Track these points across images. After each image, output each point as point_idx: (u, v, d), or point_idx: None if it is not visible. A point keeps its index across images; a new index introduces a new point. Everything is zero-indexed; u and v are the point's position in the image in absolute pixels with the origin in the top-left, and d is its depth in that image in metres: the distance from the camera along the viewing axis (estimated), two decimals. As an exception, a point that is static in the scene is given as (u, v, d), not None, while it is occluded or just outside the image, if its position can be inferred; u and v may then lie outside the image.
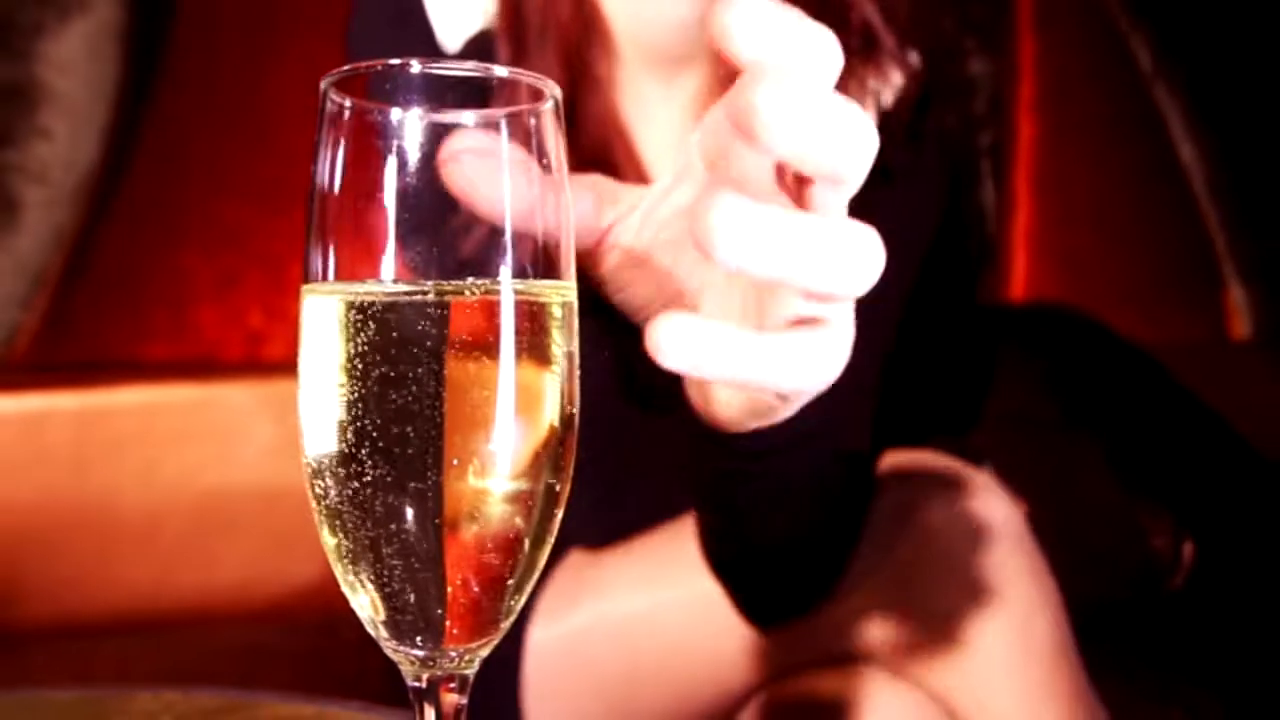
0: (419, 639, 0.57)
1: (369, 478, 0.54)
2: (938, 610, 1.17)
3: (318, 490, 0.57)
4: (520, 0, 1.29)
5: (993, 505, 1.20)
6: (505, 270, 0.55)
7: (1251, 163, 2.96)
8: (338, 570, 0.58)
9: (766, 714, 1.24)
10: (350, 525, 0.56)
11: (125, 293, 2.24)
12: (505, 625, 0.59)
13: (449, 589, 0.56)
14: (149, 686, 0.98)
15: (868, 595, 1.19)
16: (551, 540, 0.59)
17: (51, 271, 2.14)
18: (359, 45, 1.36)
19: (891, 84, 1.37)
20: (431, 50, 1.32)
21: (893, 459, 1.27)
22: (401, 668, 0.59)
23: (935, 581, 1.17)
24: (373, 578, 0.56)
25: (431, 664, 0.58)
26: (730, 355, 0.55)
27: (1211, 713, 1.75)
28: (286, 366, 2.06)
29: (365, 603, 0.58)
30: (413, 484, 0.54)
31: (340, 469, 0.55)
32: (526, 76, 0.57)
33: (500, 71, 0.57)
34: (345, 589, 0.59)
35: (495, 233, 0.55)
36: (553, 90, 0.58)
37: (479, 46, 1.31)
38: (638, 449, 1.32)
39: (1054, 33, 2.92)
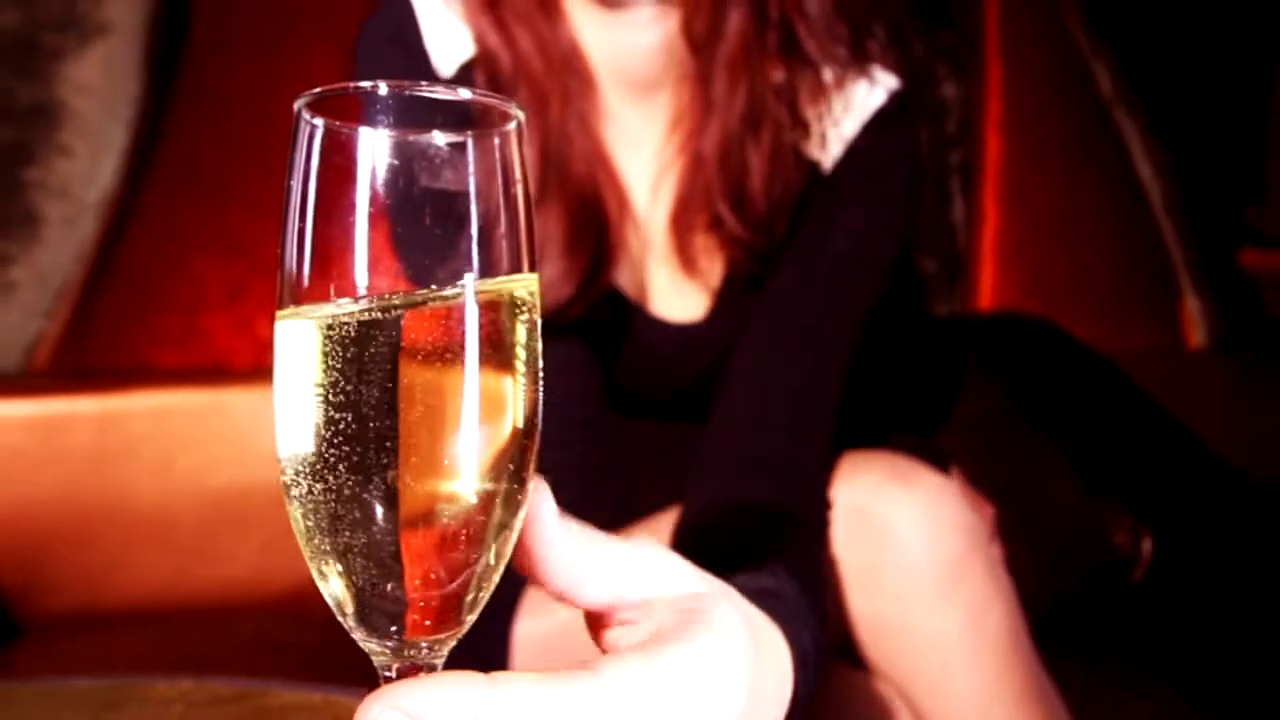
0: (389, 630, 0.57)
1: (335, 482, 0.54)
2: (896, 602, 1.17)
3: (292, 494, 0.57)
4: (496, 45, 1.30)
5: (948, 502, 1.20)
6: (469, 281, 0.55)
7: (1206, 181, 2.98)
8: (312, 568, 0.59)
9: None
10: (320, 526, 0.56)
11: (141, 302, 2.24)
12: (470, 619, 0.58)
13: (412, 585, 0.56)
14: (165, 675, 0.99)
15: (837, 592, 1.20)
16: (514, 537, 0.58)
17: (72, 283, 2.14)
18: (362, 70, 1.37)
19: (860, 105, 1.38)
20: (426, 70, 1.32)
21: (856, 459, 1.28)
22: (373, 658, 0.59)
23: (895, 577, 1.17)
24: (342, 574, 0.57)
25: (401, 655, 0.58)
26: None
27: (1170, 700, 1.75)
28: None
29: (336, 596, 0.58)
30: (374, 487, 0.54)
31: (309, 474, 0.55)
32: (492, 99, 0.57)
33: (465, 94, 0.57)
34: (318, 581, 0.59)
35: (461, 250, 0.55)
36: (516, 112, 0.57)
37: (471, 72, 1.32)
38: (614, 452, 1.33)
39: (1020, 58, 2.92)
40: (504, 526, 0.57)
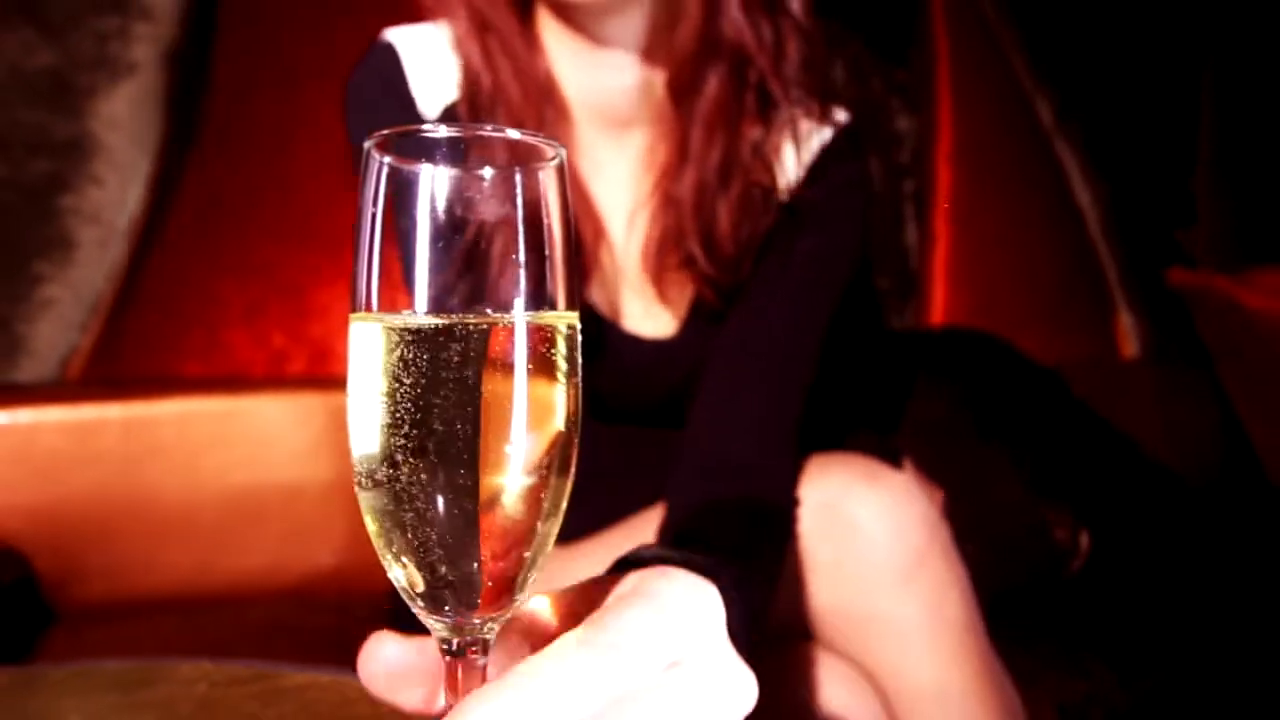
0: (448, 609, 0.58)
1: (408, 476, 0.55)
2: (862, 591, 1.18)
3: (364, 485, 0.58)
4: (478, 79, 1.30)
5: (910, 500, 1.21)
6: (519, 303, 0.56)
7: (1138, 206, 2.99)
8: (381, 553, 0.59)
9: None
10: (392, 515, 0.57)
11: (167, 318, 2.25)
12: (520, 598, 0.59)
13: (476, 568, 0.57)
14: (188, 657, 0.99)
15: (803, 581, 1.20)
16: (558, 526, 0.60)
17: (104, 300, 2.14)
18: (353, 115, 1.37)
19: (815, 139, 1.38)
20: (411, 112, 1.33)
21: (825, 460, 1.28)
22: (434, 632, 0.60)
23: (861, 568, 1.18)
24: (412, 559, 0.57)
25: (460, 630, 0.59)
26: None
27: (1103, 677, 1.76)
28: (306, 381, 2.06)
29: (403, 578, 0.59)
30: (445, 480, 0.55)
31: (384, 468, 0.56)
32: (537, 139, 0.58)
33: (513, 133, 0.58)
34: (387, 567, 0.59)
35: (510, 273, 0.56)
36: (559, 150, 0.59)
37: (454, 114, 1.32)
38: (600, 456, 1.34)
39: (968, 94, 2.93)
40: (552, 514, 0.59)
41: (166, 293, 2.24)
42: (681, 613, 0.58)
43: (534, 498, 0.57)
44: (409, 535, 0.57)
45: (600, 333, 1.35)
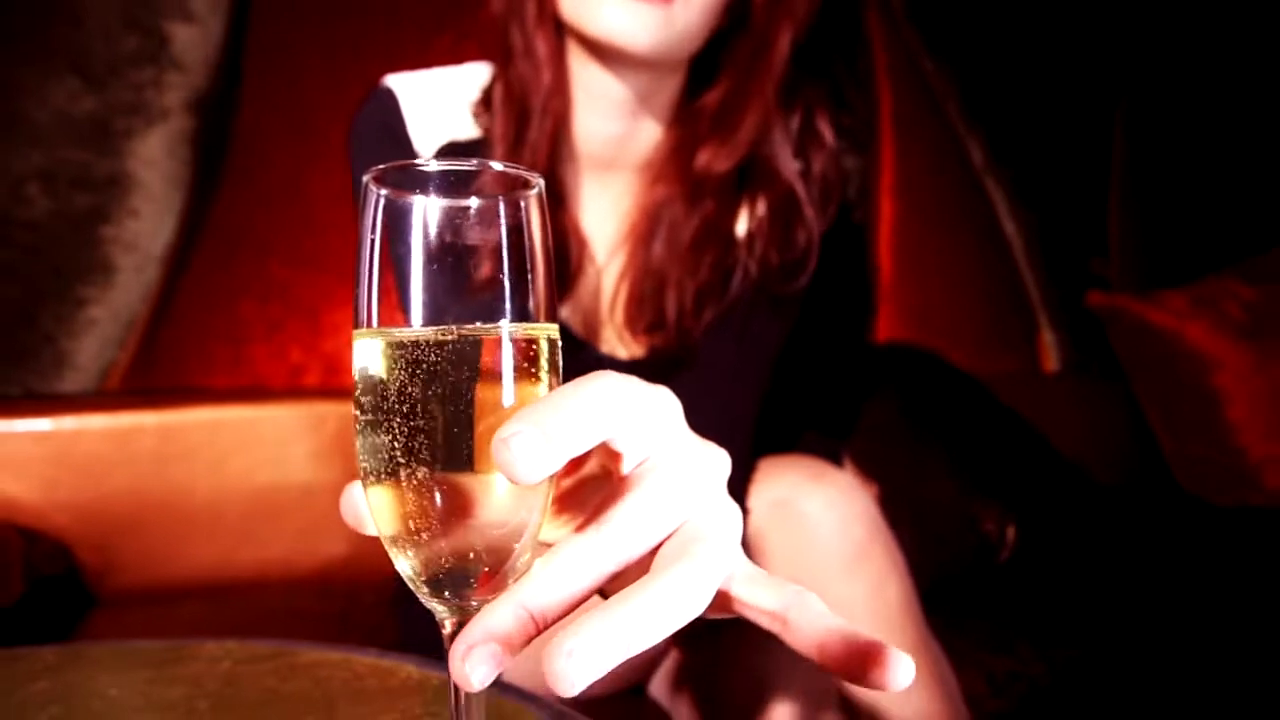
0: (448, 594, 0.59)
1: (407, 474, 0.56)
2: (812, 577, 1.18)
3: (369, 483, 0.58)
4: (508, 122, 1.29)
5: (853, 496, 1.21)
6: (505, 316, 0.57)
7: (1059, 236, 3.00)
8: (387, 544, 0.60)
9: (682, 661, 1.26)
10: (395, 511, 0.57)
11: (196, 335, 2.25)
12: (512, 582, 0.59)
13: (472, 557, 0.57)
14: (214, 637, 0.99)
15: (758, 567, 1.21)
16: (545, 516, 0.59)
17: (140, 320, 2.14)
18: (356, 156, 1.37)
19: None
20: (408, 153, 1.31)
21: (779, 461, 1.28)
22: (436, 614, 0.60)
23: (811, 557, 1.18)
24: (413, 550, 0.58)
25: (460, 611, 0.59)
26: (624, 646, 0.51)
27: (1026, 654, 1.77)
28: (320, 392, 2.07)
29: (406, 567, 0.59)
30: (441, 477, 0.55)
31: (385, 467, 0.56)
32: (517, 169, 0.59)
33: (496, 166, 0.59)
34: (392, 558, 0.60)
35: (496, 290, 0.57)
36: (538, 180, 0.59)
37: (447, 154, 1.31)
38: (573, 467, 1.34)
39: (907, 136, 2.94)
40: (539, 506, 0.58)
41: (196, 313, 2.24)
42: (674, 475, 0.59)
43: (522, 491, 0.56)
44: (410, 528, 0.57)
45: (575, 353, 1.35)
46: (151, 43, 2.11)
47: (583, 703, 1.35)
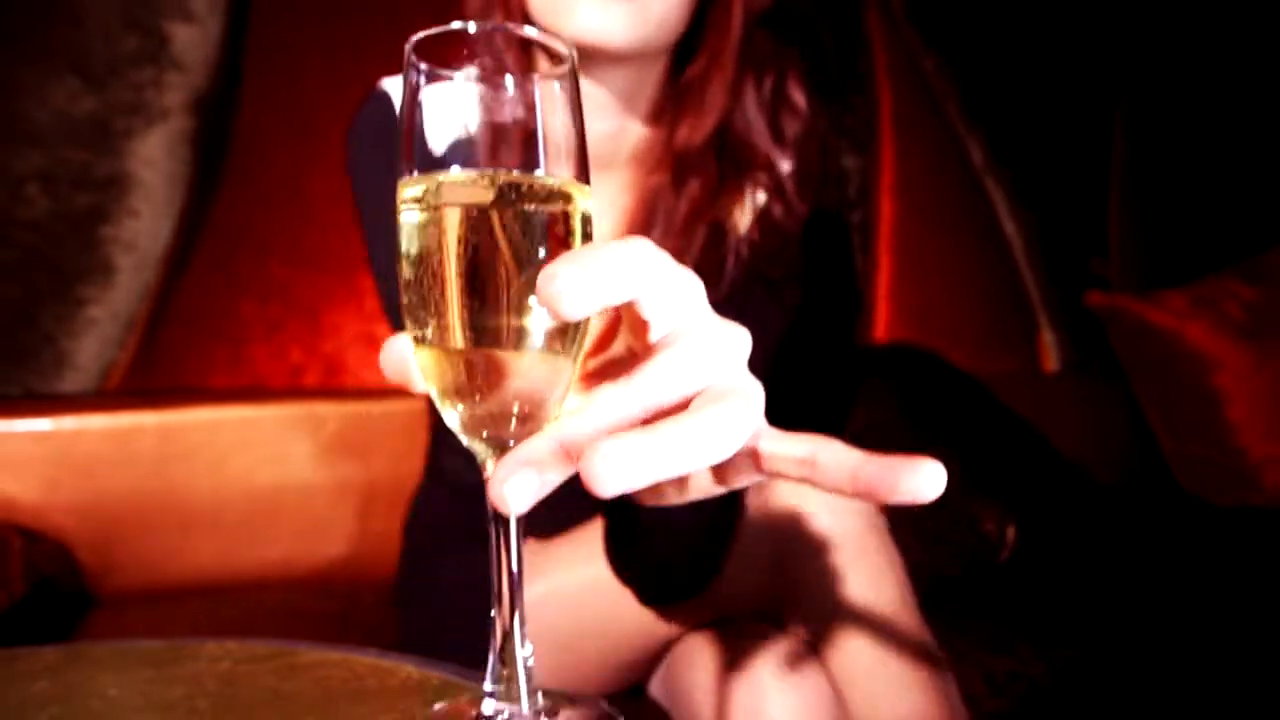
0: (487, 435, 0.62)
1: (451, 317, 0.59)
2: (809, 576, 1.18)
3: (417, 341, 0.62)
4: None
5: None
6: (540, 171, 0.60)
7: (1059, 236, 3.00)
8: (433, 389, 0.62)
9: (682, 658, 1.26)
10: (439, 361, 0.60)
11: (195, 335, 2.25)
12: (541, 416, 0.62)
13: (509, 400, 0.60)
14: (214, 637, 0.99)
15: (757, 568, 1.20)
16: (578, 364, 0.63)
17: (140, 320, 2.14)
18: (354, 155, 1.37)
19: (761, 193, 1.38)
20: None
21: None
22: (476, 454, 0.63)
23: (807, 555, 1.18)
24: (458, 394, 0.61)
25: (498, 451, 0.62)
26: (658, 462, 0.54)
27: (1026, 654, 1.76)
28: (320, 392, 2.07)
29: (450, 411, 0.62)
30: (485, 320, 0.59)
31: (430, 309, 0.60)
32: (548, 39, 0.62)
33: (530, 31, 0.63)
34: (439, 407, 0.63)
35: (533, 153, 0.60)
36: (571, 52, 0.62)
37: None
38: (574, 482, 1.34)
39: (908, 136, 2.94)
40: (570, 353, 0.61)
41: (195, 313, 2.24)
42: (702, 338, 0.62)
43: (555, 337, 0.60)
44: (454, 373, 0.60)
45: None
46: (151, 43, 2.11)
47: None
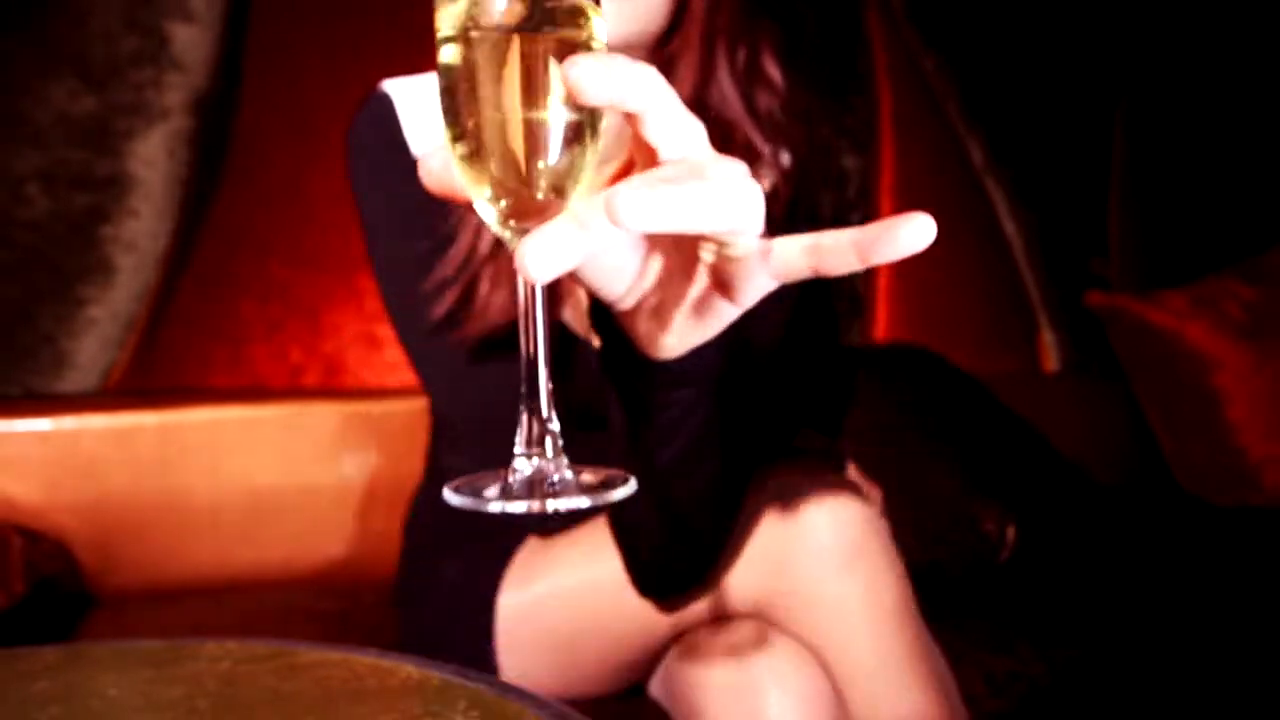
0: (514, 222, 0.68)
1: (484, 119, 0.65)
2: (809, 578, 1.18)
3: (452, 131, 0.67)
4: None
5: (849, 497, 1.21)
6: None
7: (1059, 236, 3.00)
8: (469, 186, 0.68)
9: (682, 658, 1.26)
10: (472, 155, 0.66)
11: (195, 335, 2.25)
12: (562, 204, 0.67)
13: (532, 185, 0.66)
14: (214, 637, 0.99)
15: (756, 568, 1.20)
16: (594, 157, 0.69)
17: (139, 320, 2.14)
18: (355, 154, 1.37)
19: (765, 183, 1.37)
20: (405, 154, 1.32)
21: (778, 463, 1.28)
22: (506, 241, 0.70)
23: (807, 556, 1.18)
24: (490, 183, 0.67)
25: (521, 231, 0.68)
26: (678, 205, 0.60)
27: (1026, 654, 1.77)
28: (320, 393, 2.07)
29: (482, 200, 0.68)
30: (514, 120, 0.65)
31: (467, 114, 0.66)
32: None
33: None
34: (471, 189, 0.68)
35: None
36: None
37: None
38: (576, 457, 1.33)
39: (908, 136, 2.94)
40: (586, 144, 0.68)
41: (195, 313, 2.24)
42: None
43: (571, 131, 0.66)
44: (486, 173, 0.67)
45: (571, 348, 1.36)
46: (151, 43, 2.11)
47: (582, 703, 1.35)
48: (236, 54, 2.24)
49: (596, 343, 1.38)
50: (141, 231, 2.12)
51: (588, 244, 0.62)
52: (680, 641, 1.27)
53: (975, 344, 2.90)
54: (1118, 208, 3.04)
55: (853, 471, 1.43)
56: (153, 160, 2.12)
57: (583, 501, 0.71)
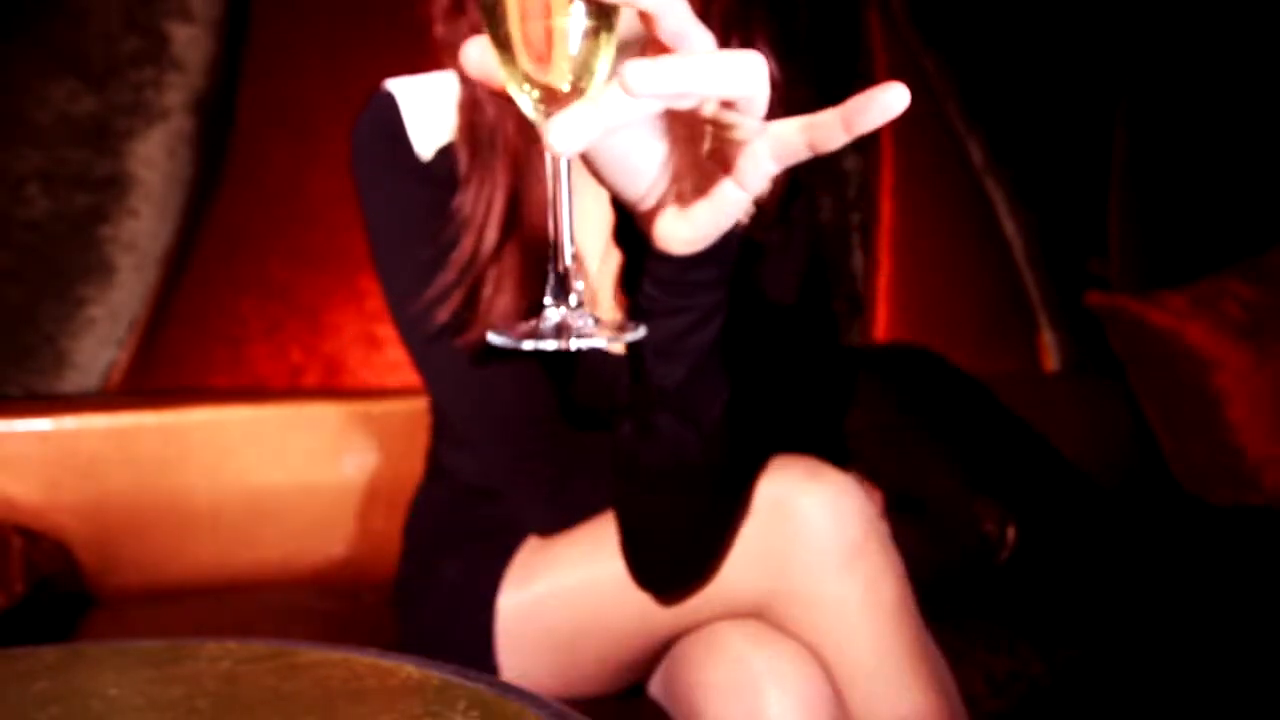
0: (546, 108, 0.75)
1: (513, 13, 0.72)
2: (807, 576, 1.18)
3: (487, 17, 0.73)
4: (475, 118, 1.30)
5: (849, 496, 1.21)
6: None
7: (1059, 236, 3.00)
8: (504, 74, 0.75)
9: (682, 658, 1.26)
10: (506, 36, 0.73)
11: (196, 335, 2.25)
12: (583, 87, 0.74)
13: (558, 75, 0.73)
14: (214, 637, 0.99)
15: (756, 567, 1.20)
16: (610, 54, 0.74)
17: (140, 320, 2.14)
18: (358, 155, 1.37)
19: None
20: (409, 154, 1.32)
21: (777, 460, 1.28)
22: (536, 124, 0.76)
23: (807, 556, 1.18)
24: (521, 77, 0.74)
25: (546, 115, 0.75)
26: (688, 73, 0.66)
27: (1026, 655, 1.77)
28: (320, 393, 2.07)
29: (515, 85, 0.75)
30: (538, 11, 0.71)
31: (498, 7, 0.72)
32: None
33: None
34: (506, 79, 0.75)
35: None
36: None
37: (447, 155, 1.31)
38: (576, 458, 1.33)
39: (908, 137, 2.94)
40: (603, 39, 0.74)
41: (196, 313, 2.24)
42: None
43: (591, 28, 0.72)
44: (519, 61, 0.73)
45: (574, 352, 1.35)
46: (151, 43, 2.11)
47: (583, 703, 1.35)
48: (236, 54, 2.24)
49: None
50: (141, 231, 2.12)
51: (605, 119, 0.67)
52: (680, 641, 1.28)
53: (975, 344, 2.90)
54: (1117, 208, 3.04)
55: (854, 472, 1.43)
56: (153, 160, 2.12)
57: (602, 341, 0.80)
